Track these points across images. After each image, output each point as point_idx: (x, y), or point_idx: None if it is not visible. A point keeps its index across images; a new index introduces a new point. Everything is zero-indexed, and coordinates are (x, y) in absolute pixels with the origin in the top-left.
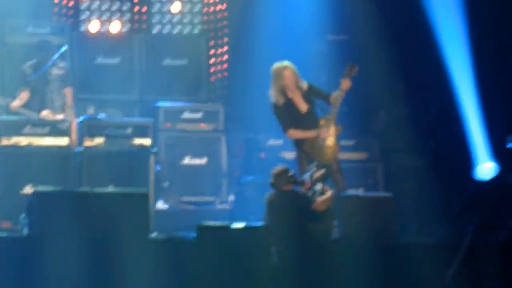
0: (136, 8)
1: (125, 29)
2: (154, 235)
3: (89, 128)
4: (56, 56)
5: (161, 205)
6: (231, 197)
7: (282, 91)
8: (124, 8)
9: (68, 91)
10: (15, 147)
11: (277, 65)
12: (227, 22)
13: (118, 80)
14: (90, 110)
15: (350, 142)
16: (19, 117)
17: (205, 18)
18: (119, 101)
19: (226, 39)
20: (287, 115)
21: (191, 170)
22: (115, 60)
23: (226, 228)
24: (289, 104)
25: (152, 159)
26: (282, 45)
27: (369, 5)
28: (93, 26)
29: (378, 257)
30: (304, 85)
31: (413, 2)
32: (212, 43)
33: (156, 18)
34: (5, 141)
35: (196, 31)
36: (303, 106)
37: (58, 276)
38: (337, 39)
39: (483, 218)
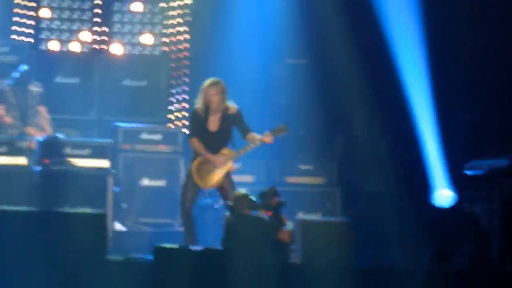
0: (96, 28)
1: (85, 49)
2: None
3: (48, 148)
4: (16, 75)
5: (119, 226)
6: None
7: (206, 104)
8: (84, 28)
9: (43, 109)
10: None
11: (209, 80)
12: (188, 44)
13: (77, 100)
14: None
15: (308, 167)
16: None
17: (166, 39)
18: (77, 121)
19: (186, 62)
20: (198, 125)
21: (150, 192)
22: (74, 80)
23: (184, 250)
24: (204, 117)
25: (110, 180)
26: (243, 68)
27: (329, 30)
28: (53, 45)
29: (336, 282)
30: (232, 107)
31: (372, 26)
32: (172, 65)
33: (116, 38)
34: None
35: (156, 52)
36: (212, 126)
37: None
38: (296, 63)
39: (440, 245)
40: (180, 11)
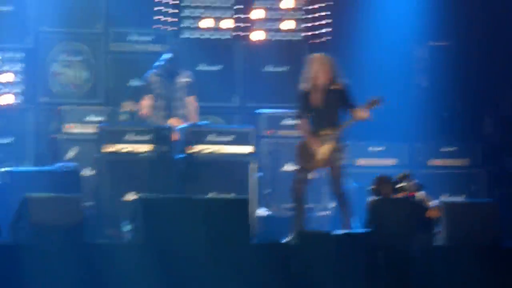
0: (238, 15)
1: (227, 36)
2: (255, 241)
3: (191, 135)
4: (159, 63)
5: (262, 211)
6: (332, 204)
7: (309, 79)
8: (226, 15)
9: (192, 99)
10: (118, 154)
11: (316, 54)
12: (328, 29)
13: (219, 87)
14: None
15: (452, 149)
16: (121, 124)
17: (307, 25)
18: (220, 108)
19: (327, 45)
20: (303, 104)
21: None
22: (216, 67)
23: (327, 235)
24: (308, 94)
25: (253, 166)
26: (384, 51)
27: (471, 10)
28: (196, 33)
29: (483, 263)
30: (337, 83)
31: None
32: (313, 49)
33: (257, 25)
34: (108, 148)
35: (298, 38)
36: (318, 102)
37: (163, 281)
38: (438, 45)
39: None
40: None
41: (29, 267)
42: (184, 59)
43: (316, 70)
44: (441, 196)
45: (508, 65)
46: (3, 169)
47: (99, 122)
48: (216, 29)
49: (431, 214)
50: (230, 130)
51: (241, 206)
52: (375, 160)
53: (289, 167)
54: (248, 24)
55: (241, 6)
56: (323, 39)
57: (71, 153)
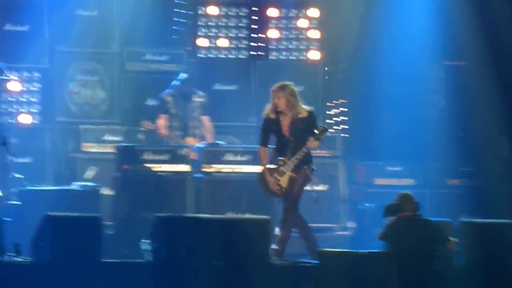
0: (253, 35)
1: (242, 56)
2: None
3: (208, 155)
4: (175, 83)
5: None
6: (351, 224)
7: (274, 108)
8: (241, 35)
9: (206, 119)
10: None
11: (278, 84)
12: (345, 48)
13: (235, 106)
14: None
15: (469, 169)
16: (139, 144)
17: (323, 44)
18: (237, 128)
19: (343, 66)
20: (265, 131)
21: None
22: (232, 87)
23: (348, 254)
24: (276, 121)
25: None
26: (400, 71)
27: (487, 30)
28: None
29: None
30: (303, 111)
31: None
32: (329, 69)
33: (273, 44)
34: (127, 167)
35: (313, 57)
36: (285, 130)
37: None
38: (454, 65)
39: None
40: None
41: (49, 285)
42: (200, 78)
43: (277, 98)
44: (460, 216)
45: None
46: (22, 189)
47: (117, 141)
48: (232, 48)
49: (450, 246)
50: (246, 149)
51: (262, 226)
52: (392, 180)
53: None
54: (263, 44)
55: (257, 26)
56: (339, 59)
57: (89, 173)
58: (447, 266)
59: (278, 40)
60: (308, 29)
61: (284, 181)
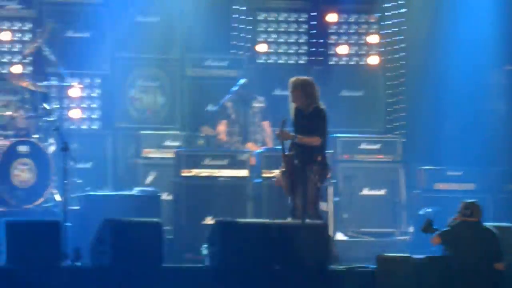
0: (313, 40)
1: (301, 61)
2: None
3: (268, 160)
4: (234, 88)
5: (340, 236)
6: (411, 229)
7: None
8: (301, 40)
9: (266, 124)
10: (196, 178)
11: (292, 78)
12: (404, 53)
13: None
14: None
15: None
16: (199, 149)
17: (383, 49)
18: None
19: (403, 70)
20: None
21: (370, 201)
22: None
23: (407, 259)
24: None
25: (330, 190)
26: (460, 75)
27: None
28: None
29: None
30: (309, 107)
31: None
32: (389, 74)
33: (332, 50)
34: (186, 173)
35: (372, 62)
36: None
37: None
38: None
39: None
40: (395, 20)
41: None
42: (260, 84)
43: (290, 94)
44: None
45: None
46: (83, 194)
47: (177, 147)
48: (291, 54)
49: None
50: None
51: (321, 231)
52: (453, 184)
53: (365, 192)
54: (323, 49)
55: (316, 31)
56: (398, 63)
57: (149, 178)
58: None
59: (337, 45)
60: (367, 34)
61: (279, 179)
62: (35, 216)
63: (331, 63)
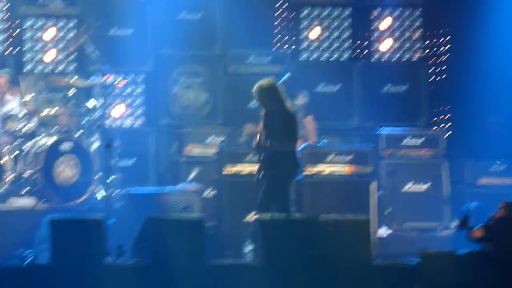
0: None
1: (344, 57)
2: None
3: (310, 156)
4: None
5: (383, 231)
6: (454, 223)
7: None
8: (344, 36)
9: (309, 120)
10: (238, 175)
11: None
12: (447, 49)
13: (338, 107)
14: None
15: None
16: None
17: (426, 44)
18: (339, 128)
19: (445, 66)
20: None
21: (413, 196)
22: (335, 88)
23: (449, 255)
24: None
25: (373, 186)
26: (504, 69)
27: None
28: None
29: None
30: (265, 108)
31: None
32: (432, 68)
33: (374, 46)
34: (229, 170)
35: (416, 57)
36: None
37: None
38: None
39: None
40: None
41: (151, 287)
42: (302, 80)
43: (257, 101)
44: None
45: None
46: (125, 191)
47: (219, 143)
48: (334, 49)
49: None
50: (349, 150)
51: (363, 227)
52: (497, 179)
53: (408, 187)
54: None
55: (359, 26)
56: (442, 57)
57: (192, 174)
58: None
59: (381, 40)
60: (411, 29)
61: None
62: (78, 214)
63: (374, 58)
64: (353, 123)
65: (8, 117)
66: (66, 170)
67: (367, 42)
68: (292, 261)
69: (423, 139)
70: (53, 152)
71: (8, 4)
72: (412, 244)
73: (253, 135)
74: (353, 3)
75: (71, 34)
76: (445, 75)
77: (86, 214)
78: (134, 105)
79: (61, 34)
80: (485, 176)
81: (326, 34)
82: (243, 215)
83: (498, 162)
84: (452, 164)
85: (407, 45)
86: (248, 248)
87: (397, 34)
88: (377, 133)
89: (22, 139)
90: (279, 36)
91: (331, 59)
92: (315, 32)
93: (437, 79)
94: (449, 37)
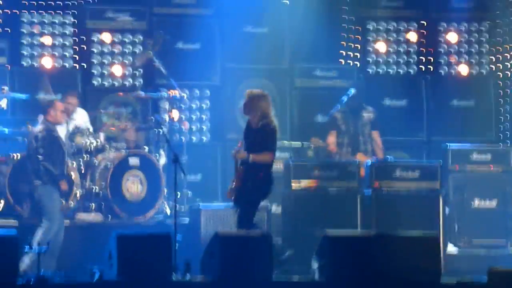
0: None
1: (410, 70)
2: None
3: (378, 171)
4: (344, 99)
5: (451, 248)
6: None
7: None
8: (411, 49)
9: (376, 134)
10: (306, 189)
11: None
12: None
13: (405, 121)
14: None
15: None
16: (309, 160)
17: (493, 58)
18: (406, 143)
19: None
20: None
21: (481, 213)
22: (402, 102)
23: None
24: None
25: (441, 201)
26: None
27: None
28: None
29: None
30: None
31: None
32: (500, 82)
33: (442, 59)
34: (295, 184)
35: (484, 71)
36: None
37: None
38: None
39: None
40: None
41: None
42: (369, 93)
43: (243, 105)
44: None
45: None
46: (193, 206)
47: (286, 158)
48: (402, 63)
49: None
50: (417, 165)
51: (432, 243)
52: None
53: (476, 203)
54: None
55: (424, 40)
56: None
57: None
58: None
59: (448, 54)
60: (478, 42)
61: (229, 191)
62: (146, 229)
63: (441, 72)
64: (421, 138)
65: (76, 133)
66: (134, 186)
67: (434, 56)
68: (360, 278)
69: (491, 154)
70: (121, 167)
71: (76, 20)
72: (480, 262)
73: (321, 149)
74: (419, 17)
75: (138, 49)
76: None
77: (153, 229)
78: (201, 119)
79: (127, 48)
80: None
81: (393, 47)
82: (310, 230)
83: None
84: None
85: (475, 59)
86: (315, 264)
87: (464, 48)
88: (445, 148)
89: (90, 154)
90: (346, 49)
91: (399, 73)
92: (381, 46)
93: (505, 92)
94: None
